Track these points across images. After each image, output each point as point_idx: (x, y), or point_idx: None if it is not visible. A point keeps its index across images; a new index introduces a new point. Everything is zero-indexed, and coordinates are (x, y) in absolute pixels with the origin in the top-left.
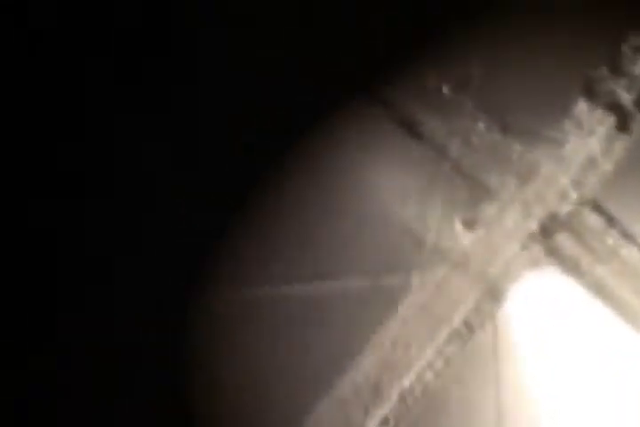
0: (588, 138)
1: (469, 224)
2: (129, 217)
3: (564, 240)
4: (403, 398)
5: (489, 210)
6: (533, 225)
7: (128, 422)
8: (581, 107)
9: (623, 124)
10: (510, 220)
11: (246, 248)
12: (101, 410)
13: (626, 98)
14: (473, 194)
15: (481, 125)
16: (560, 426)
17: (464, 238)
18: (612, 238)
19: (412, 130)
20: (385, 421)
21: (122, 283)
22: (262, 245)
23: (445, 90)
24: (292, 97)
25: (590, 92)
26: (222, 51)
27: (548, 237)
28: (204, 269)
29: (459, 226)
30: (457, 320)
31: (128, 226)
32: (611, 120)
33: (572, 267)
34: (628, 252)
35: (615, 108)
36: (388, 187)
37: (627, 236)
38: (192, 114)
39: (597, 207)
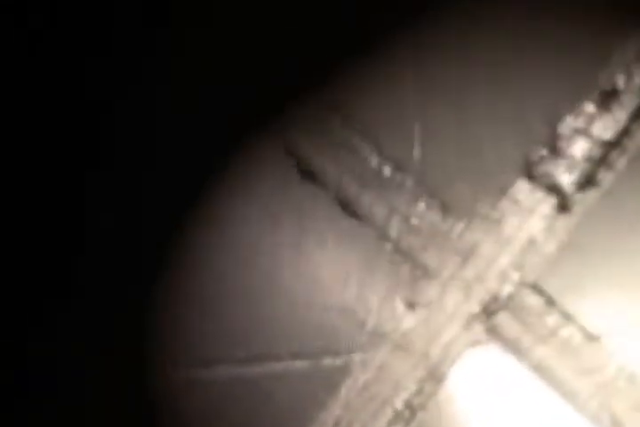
0: (528, 218)
1: (411, 305)
2: None
3: (504, 320)
4: None
5: (430, 290)
6: (474, 305)
7: None
8: (521, 187)
9: (564, 206)
10: (451, 300)
11: (188, 328)
12: None
13: (566, 179)
14: (414, 274)
15: (421, 205)
16: None
17: (405, 319)
18: (552, 319)
19: (351, 210)
20: None
21: None
22: (203, 325)
23: (386, 170)
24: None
25: (530, 173)
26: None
27: (489, 317)
28: (144, 350)
29: (400, 307)
30: (399, 401)
31: None
32: (551, 201)
33: (512, 347)
34: (567, 332)
35: (555, 189)
36: (328, 267)
37: (567, 316)
38: None
39: (538, 288)
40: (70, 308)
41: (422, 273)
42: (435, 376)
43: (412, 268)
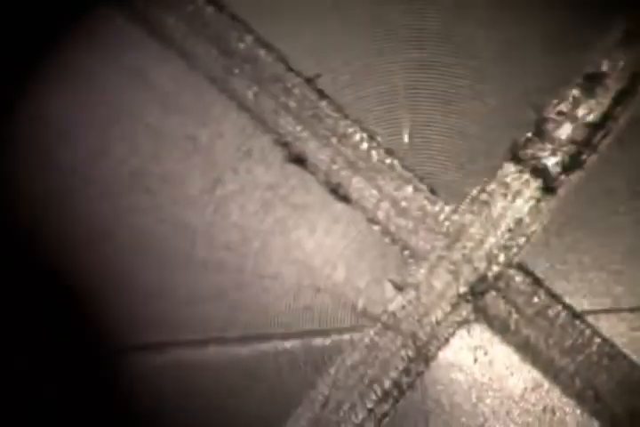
0: (514, 200)
1: (399, 286)
2: None
3: (492, 301)
4: None
5: (418, 272)
6: (462, 286)
7: None
8: (508, 169)
9: (549, 187)
10: (439, 281)
11: (175, 309)
12: None
13: (552, 161)
14: (402, 256)
15: (409, 188)
16: None
17: (394, 301)
18: (538, 298)
19: (340, 193)
20: None
21: None
22: (192, 307)
23: (374, 154)
24: None
25: (516, 156)
26: None
27: (477, 297)
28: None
29: (388, 288)
30: (387, 381)
31: None
32: (537, 183)
33: (500, 327)
34: (553, 311)
35: (541, 171)
36: (318, 250)
37: (553, 296)
38: None
39: (524, 268)
40: None
41: (410, 255)
42: (423, 356)
43: (400, 250)
